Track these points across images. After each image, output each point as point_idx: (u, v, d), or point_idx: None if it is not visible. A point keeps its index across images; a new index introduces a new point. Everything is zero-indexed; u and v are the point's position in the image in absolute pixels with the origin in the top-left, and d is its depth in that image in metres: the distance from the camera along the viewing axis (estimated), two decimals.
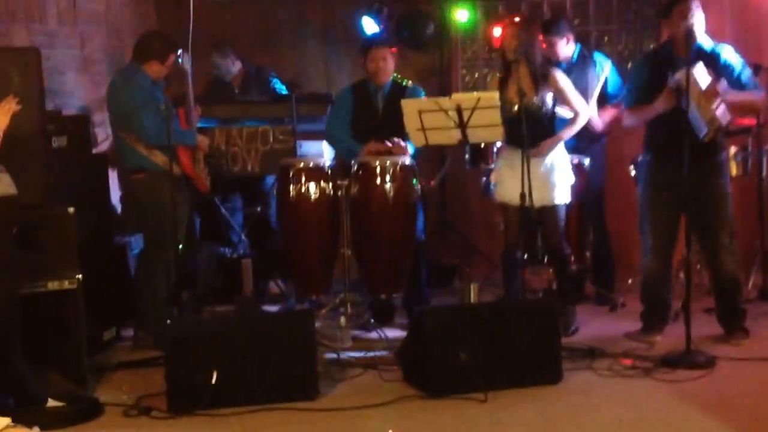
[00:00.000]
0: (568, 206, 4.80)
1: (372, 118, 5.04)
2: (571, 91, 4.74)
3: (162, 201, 4.59)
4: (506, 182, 4.67)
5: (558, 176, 4.67)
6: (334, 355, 4.47)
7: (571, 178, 4.76)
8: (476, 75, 6.65)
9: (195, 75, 5.17)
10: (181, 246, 4.59)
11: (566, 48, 5.25)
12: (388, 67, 5.03)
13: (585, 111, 4.78)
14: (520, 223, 4.61)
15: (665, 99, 4.31)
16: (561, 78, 4.72)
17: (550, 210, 4.67)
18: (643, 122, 4.58)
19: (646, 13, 6.34)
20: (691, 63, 4.21)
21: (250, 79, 6.14)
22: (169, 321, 4.15)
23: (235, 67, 6.13)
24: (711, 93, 4.18)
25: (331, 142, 5.31)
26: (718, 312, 4.65)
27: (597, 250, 5.45)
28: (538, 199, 4.54)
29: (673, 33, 4.41)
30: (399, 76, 5.18)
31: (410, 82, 5.20)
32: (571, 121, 4.75)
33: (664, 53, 4.47)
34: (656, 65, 4.44)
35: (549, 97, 4.66)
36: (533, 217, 4.57)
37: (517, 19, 4.96)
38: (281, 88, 6.11)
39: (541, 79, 4.64)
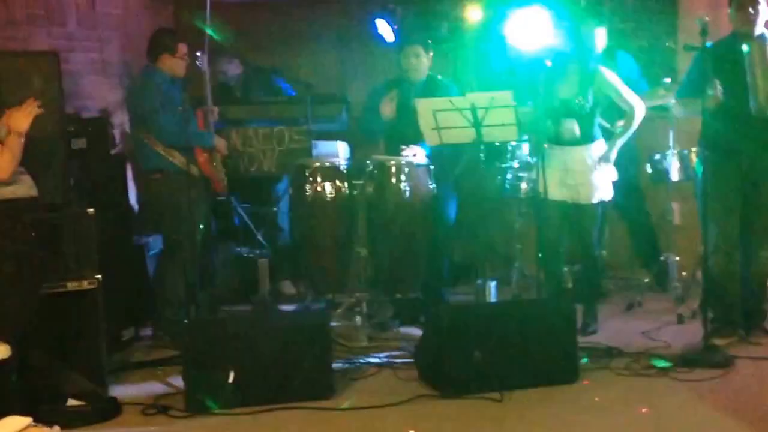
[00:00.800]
0: None
1: (405, 112, 5.03)
2: (622, 86, 4.64)
3: (179, 201, 4.63)
4: (549, 179, 4.63)
5: (599, 174, 4.63)
6: (350, 355, 4.49)
7: (613, 175, 4.72)
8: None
9: (212, 76, 5.21)
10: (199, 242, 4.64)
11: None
12: (421, 64, 5.05)
13: (640, 105, 4.65)
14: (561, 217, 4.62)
15: (712, 98, 4.24)
16: (609, 75, 4.64)
17: (588, 208, 4.64)
18: (691, 113, 4.56)
19: (662, 10, 6.29)
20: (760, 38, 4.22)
21: (250, 79, 6.17)
22: (186, 321, 4.18)
23: (239, 69, 6.18)
24: None
25: (362, 127, 5.35)
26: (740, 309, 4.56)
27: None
28: (576, 197, 4.55)
29: (735, 24, 4.37)
30: (435, 74, 5.19)
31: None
32: (627, 119, 4.65)
33: (728, 45, 4.39)
34: (719, 56, 4.32)
35: (591, 95, 4.60)
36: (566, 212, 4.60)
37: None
38: (287, 87, 6.14)
39: (589, 77, 4.60)
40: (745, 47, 4.22)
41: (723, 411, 3.64)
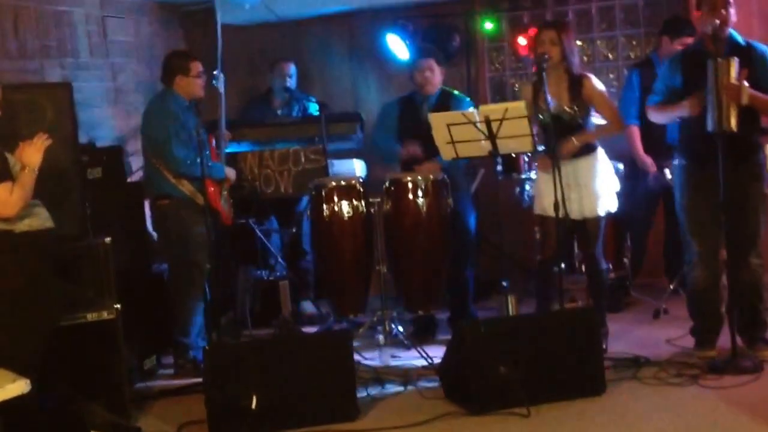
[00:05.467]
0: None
1: (418, 127, 5.03)
2: (606, 97, 4.64)
3: (187, 227, 4.65)
4: (543, 193, 4.60)
5: (599, 185, 4.54)
6: (374, 374, 4.45)
7: (615, 186, 4.64)
8: (504, 85, 6.61)
9: (226, 98, 5.21)
10: (208, 270, 4.63)
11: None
12: (435, 77, 5.07)
13: (619, 119, 4.64)
14: (557, 234, 4.51)
15: (693, 103, 4.17)
16: (597, 84, 4.61)
17: (590, 221, 4.54)
18: (668, 121, 4.50)
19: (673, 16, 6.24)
20: (724, 54, 4.10)
21: (293, 100, 6.16)
22: (206, 347, 4.16)
23: (294, 83, 6.16)
24: (733, 89, 4.01)
25: (374, 150, 5.33)
26: (737, 321, 4.29)
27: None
28: (577, 210, 4.47)
29: (703, 28, 4.26)
30: (448, 87, 5.21)
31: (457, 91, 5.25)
32: (605, 125, 4.62)
33: (696, 50, 4.33)
34: (688, 63, 4.30)
35: (583, 105, 4.56)
36: (569, 227, 4.49)
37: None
38: (314, 109, 6.14)
39: (577, 85, 4.56)
40: (708, 65, 4.06)
41: (754, 417, 3.56)
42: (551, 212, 4.36)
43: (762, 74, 4.20)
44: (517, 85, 6.39)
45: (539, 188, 4.65)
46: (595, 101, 4.57)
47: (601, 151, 4.61)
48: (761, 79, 4.18)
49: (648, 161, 5.36)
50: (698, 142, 4.24)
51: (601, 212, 4.55)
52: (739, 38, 4.27)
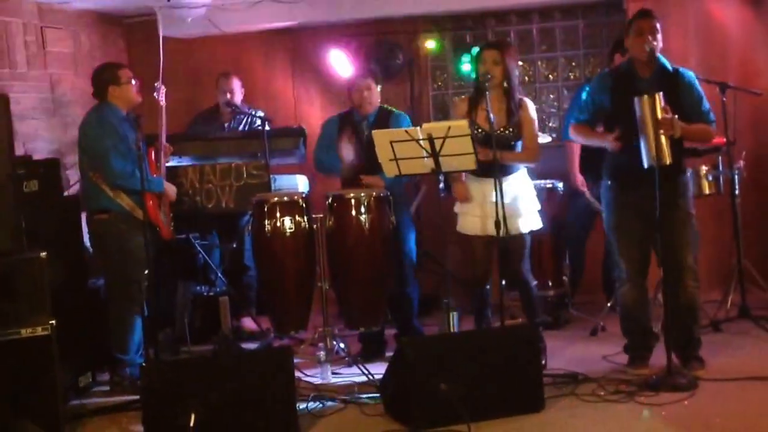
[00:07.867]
0: (541, 232, 4.81)
1: (358, 145, 5.05)
2: (535, 126, 4.72)
3: (126, 241, 4.59)
4: (469, 212, 4.65)
5: (523, 204, 4.65)
6: (315, 391, 4.42)
7: (537, 205, 4.75)
8: (447, 103, 6.68)
9: (168, 112, 5.16)
10: (146, 286, 4.56)
11: None
12: (372, 97, 5.07)
13: (537, 152, 4.70)
14: (488, 252, 4.58)
15: (615, 143, 4.27)
16: (532, 111, 4.70)
17: (515, 239, 4.60)
18: (587, 144, 4.61)
19: (612, 37, 6.39)
20: (652, 84, 4.19)
21: (240, 114, 6.09)
22: (144, 363, 4.09)
23: (239, 97, 6.10)
24: (665, 123, 4.08)
25: (319, 168, 5.33)
26: (671, 340, 4.32)
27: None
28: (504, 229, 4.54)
29: (632, 51, 4.36)
30: (386, 105, 5.22)
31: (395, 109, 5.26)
32: (520, 153, 4.69)
33: (625, 72, 4.40)
34: (616, 84, 4.37)
35: (517, 128, 4.64)
36: (492, 244, 4.57)
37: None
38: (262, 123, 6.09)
39: (516, 108, 4.63)
40: (636, 102, 4.12)
41: None
42: (478, 231, 4.46)
43: (689, 100, 4.30)
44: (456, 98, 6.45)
45: (465, 207, 4.71)
46: (525, 127, 4.66)
47: (523, 172, 4.72)
48: (687, 105, 4.28)
49: (579, 179, 5.47)
50: (622, 166, 4.31)
51: (524, 230, 4.65)
52: (667, 64, 4.35)
